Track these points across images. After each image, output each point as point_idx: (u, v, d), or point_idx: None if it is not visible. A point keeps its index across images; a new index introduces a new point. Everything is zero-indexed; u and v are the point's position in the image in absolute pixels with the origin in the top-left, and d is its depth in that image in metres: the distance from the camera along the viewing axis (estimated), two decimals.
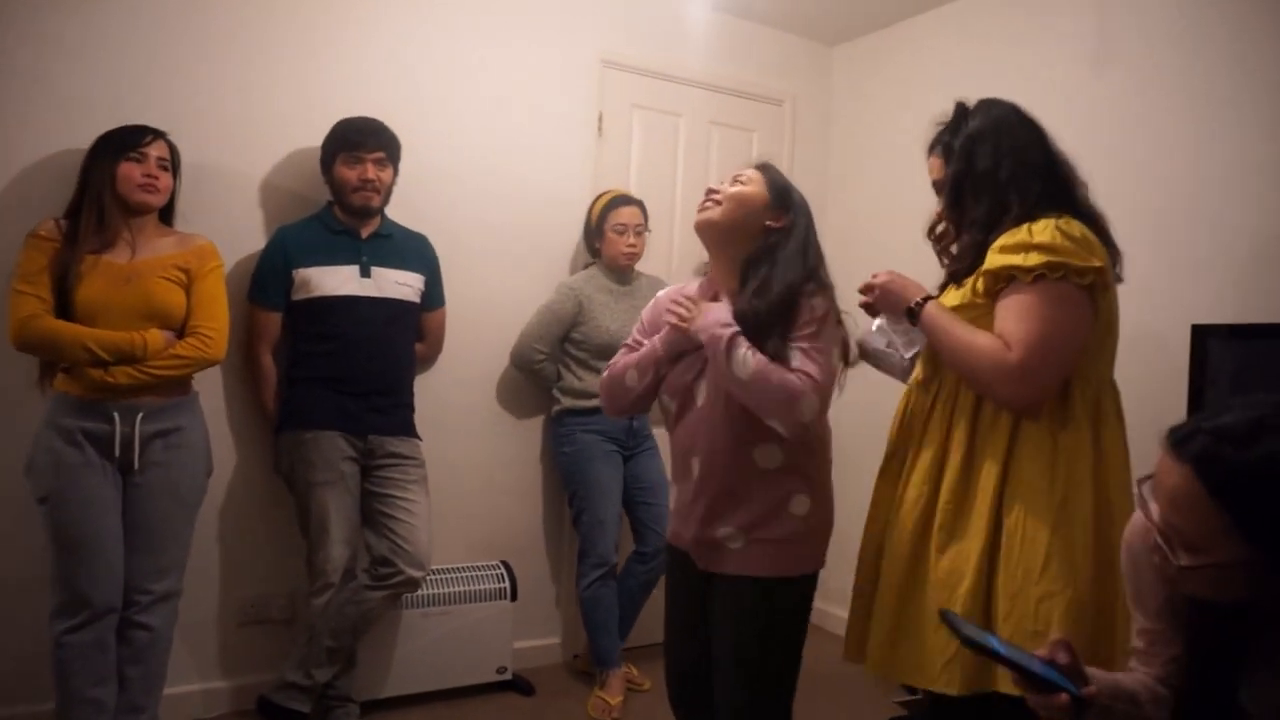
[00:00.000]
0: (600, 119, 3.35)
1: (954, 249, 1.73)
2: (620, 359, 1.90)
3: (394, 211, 2.75)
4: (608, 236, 3.03)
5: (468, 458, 3.09)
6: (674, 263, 3.46)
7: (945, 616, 1.20)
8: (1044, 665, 1.12)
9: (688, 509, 1.78)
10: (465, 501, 3.09)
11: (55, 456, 2.17)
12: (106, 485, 2.21)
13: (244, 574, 2.76)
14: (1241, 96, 2.44)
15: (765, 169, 1.82)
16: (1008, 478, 1.54)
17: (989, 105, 1.69)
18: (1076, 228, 1.52)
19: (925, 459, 1.64)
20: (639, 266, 3.13)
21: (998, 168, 1.60)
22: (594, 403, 2.97)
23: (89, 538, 2.18)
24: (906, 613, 1.62)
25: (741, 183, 1.77)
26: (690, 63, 3.55)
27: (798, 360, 1.63)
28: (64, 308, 2.15)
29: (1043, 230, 1.50)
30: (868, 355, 1.87)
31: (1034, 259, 1.48)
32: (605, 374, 1.93)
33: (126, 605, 2.25)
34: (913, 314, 1.68)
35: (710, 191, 1.78)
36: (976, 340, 1.54)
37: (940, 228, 1.77)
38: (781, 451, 1.69)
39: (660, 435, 2.84)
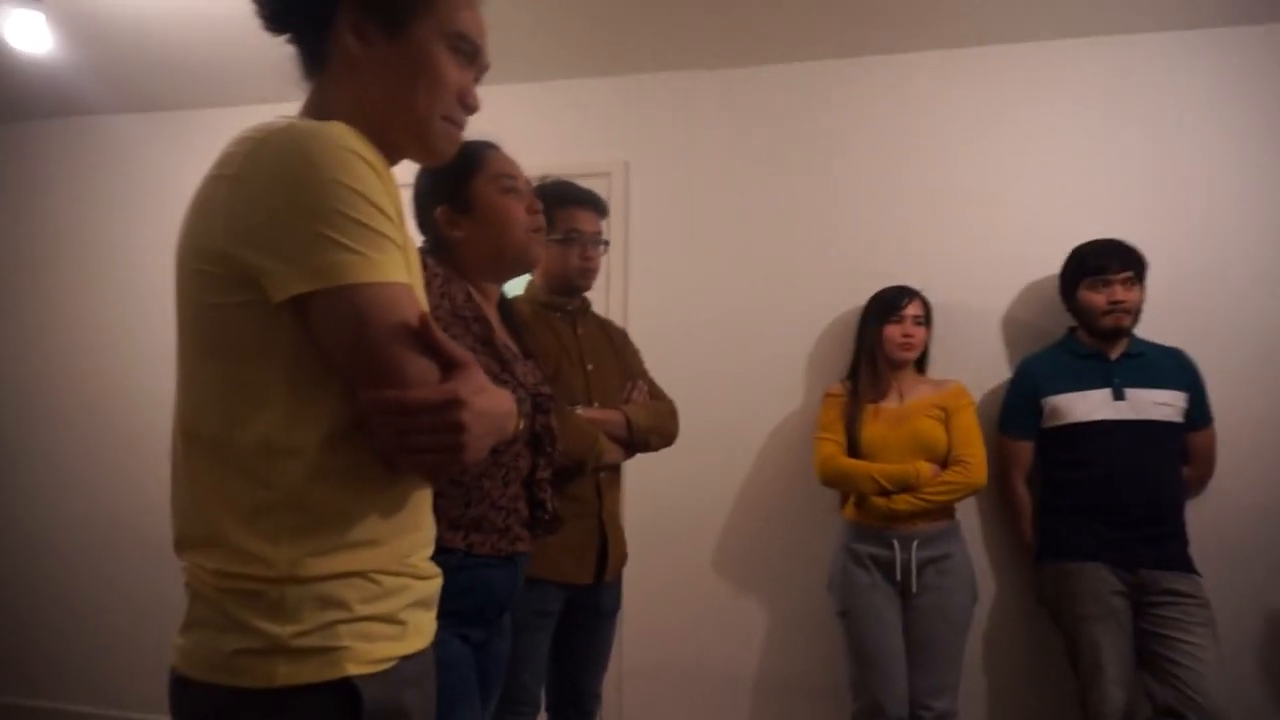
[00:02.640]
0: None
1: None
2: None
3: (1144, 328, 2.60)
4: None
5: (1260, 598, 2.64)
6: None
7: None
8: None
9: None
10: (1265, 652, 2.62)
11: (848, 577, 2.55)
12: (890, 606, 2.50)
13: (1012, 703, 2.77)
14: None
15: None
16: None
17: None
18: None
19: None
20: None
21: None
22: None
23: (880, 652, 2.48)
24: None
25: None
26: None
27: None
28: (853, 448, 2.56)
29: None
30: None
31: None
32: None
33: (911, 718, 2.47)
34: None
35: None
36: None
37: None
38: None
39: None
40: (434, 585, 1.04)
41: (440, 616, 1.36)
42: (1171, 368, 2.56)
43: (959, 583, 2.52)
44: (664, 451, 2.20)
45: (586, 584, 2.01)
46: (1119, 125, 2.87)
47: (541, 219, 1.65)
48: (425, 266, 1.51)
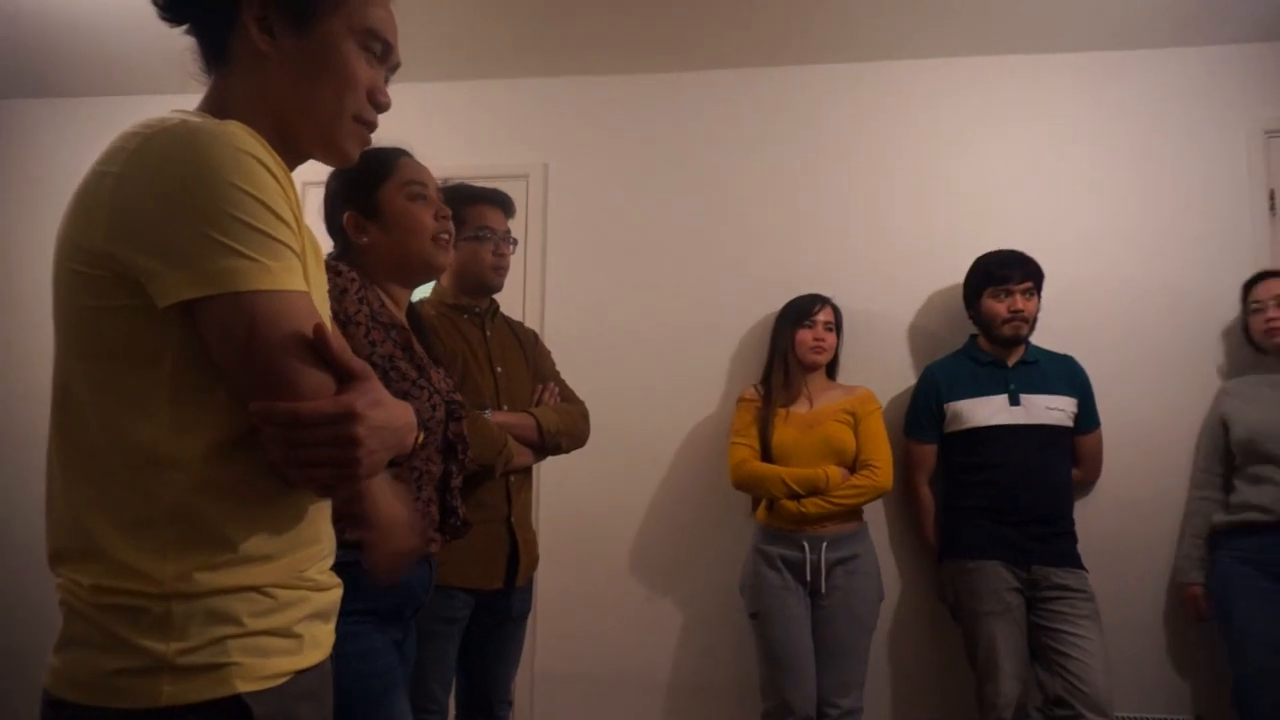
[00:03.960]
0: (1272, 197, 2.89)
1: None
2: None
3: (1037, 335, 2.72)
4: (1247, 319, 2.66)
5: (1141, 592, 2.79)
6: None
7: None
8: None
9: None
10: (1147, 641, 2.78)
11: (760, 579, 2.60)
12: (800, 606, 2.56)
13: (914, 699, 2.86)
14: None
15: None
16: None
17: None
18: None
19: None
20: None
21: None
22: (1240, 517, 2.50)
23: (789, 653, 2.53)
24: None
25: None
26: None
27: None
28: (765, 452, 2.61)
29: None
30: None
31: None
32: None
33: (818, 716, 2.52)
34: None
35: None
36: None
37: None
38: None
39: None
40: (333, 596, 1.02)
41: (359, 615, 1.36)
42: (1063, 374, 2.69)
43: (866, 583, 2.59)
44: (580, 453, 2.21)
45: (496, 589, 1.99)
46: (1020, 141, 3.00)
47: (450, 226, 1.65)
48: (339, 273, 1.50)
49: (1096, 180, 2.96)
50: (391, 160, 1.60)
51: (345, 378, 0.87)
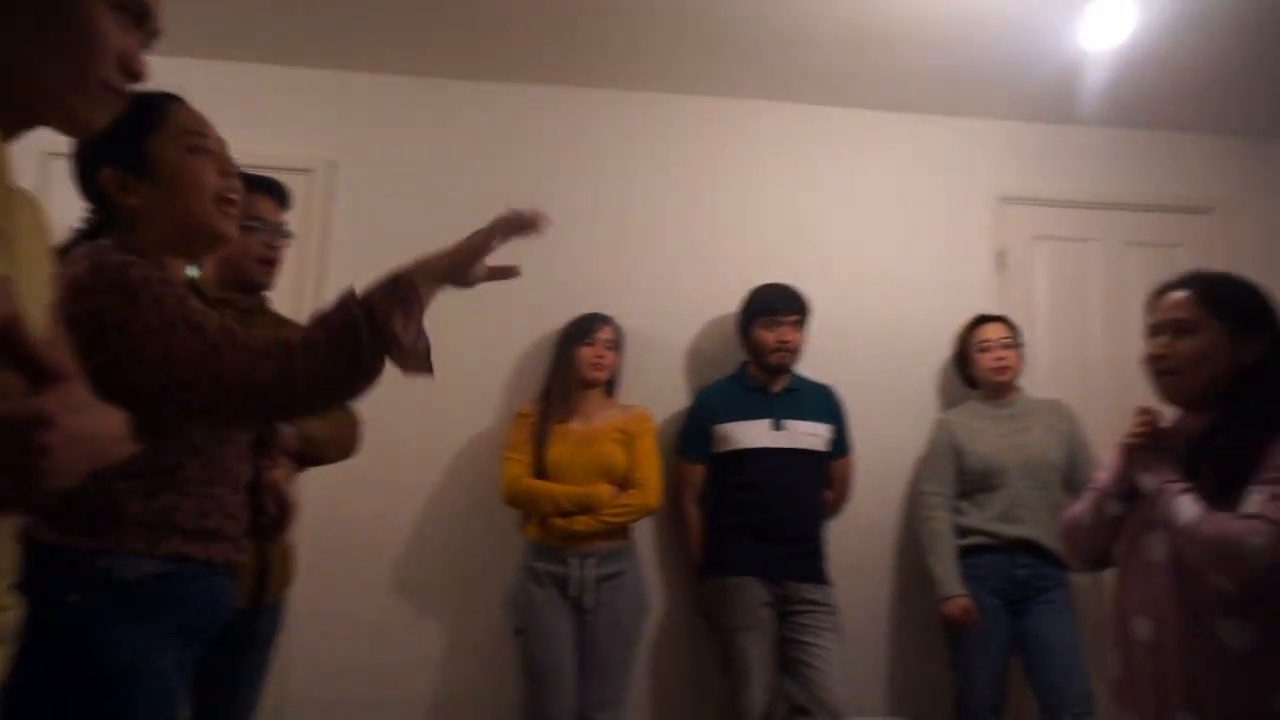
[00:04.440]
0: (1000, 256, 3.30)
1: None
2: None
3: (800, 365, 2.91)
4: (972, 356, 2.96)
5: (875, 605, 3.05)
6: (1093, 399, 3.18)
7: None
8: None
9: (1134, 685, 1.55)
10: (880, 650, 3.03)
11: (526, 595, 2.60)
12: (564, 622, 2.57)
13: (671, 711, 2.95)
14: None
15: (1200, 292, 1.58)
16: None
17: None
18: None
19: None
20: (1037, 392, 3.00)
21: None
22: (970, 540, 2.79)
23: (551, 668, 2.54)
24: None
25: (1187, 331, 1.56)
26: (1095, 185, 3.38)
27: (1256, 502, 1.39)
28: (539, 468, 2.62)
29: None
30: None
31: None
32: (1065, 514, 1.82)
33: None
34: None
35: (1156, 358, 1.60)
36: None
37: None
38: (1253, 630, 1.40)
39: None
40: (7, 618, 0.88)
41: (166, 636, 1.20)
42: (821, 403, 2.90)
43: (632, 599, 2.65)
44: (348, 463, 2.11)
45: (240, 609, 1.84)
46: (797, 184, 3.23)
47: (237, 184, 1.42)
48: (115, 262, 1.22)
49: (862, 227, 3.25)
50: (163, 106, 1.34)
51: (41, 378, 0.74)
